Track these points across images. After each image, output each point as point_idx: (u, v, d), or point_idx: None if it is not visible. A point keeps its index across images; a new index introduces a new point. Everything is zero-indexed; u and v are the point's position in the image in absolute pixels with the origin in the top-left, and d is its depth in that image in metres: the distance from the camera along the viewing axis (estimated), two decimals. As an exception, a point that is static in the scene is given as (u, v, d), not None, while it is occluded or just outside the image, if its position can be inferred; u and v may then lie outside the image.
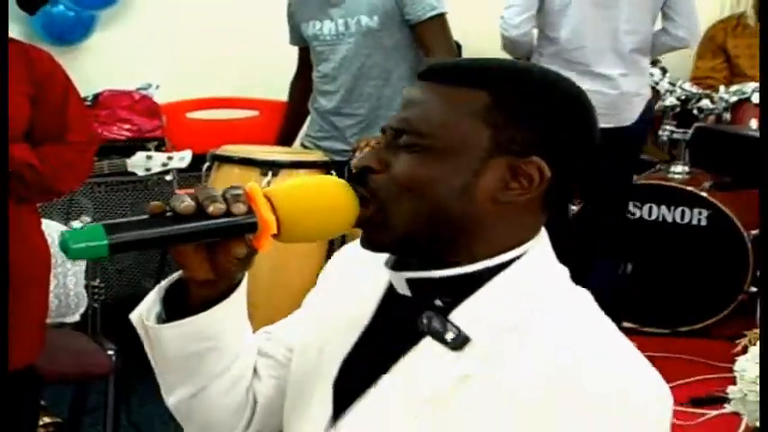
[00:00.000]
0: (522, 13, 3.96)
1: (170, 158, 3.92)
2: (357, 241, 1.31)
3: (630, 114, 3.92)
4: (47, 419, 3.61)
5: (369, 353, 1.30)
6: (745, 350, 2.91)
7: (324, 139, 3.94)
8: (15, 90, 2.71)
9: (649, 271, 4.08)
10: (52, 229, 3.51)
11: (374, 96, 3.83)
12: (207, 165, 3.59)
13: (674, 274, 4.05)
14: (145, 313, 1.28)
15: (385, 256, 1.30)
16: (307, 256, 3.38)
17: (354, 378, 1.28)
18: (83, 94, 4.51)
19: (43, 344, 2.87)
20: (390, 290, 1.32)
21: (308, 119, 4.08)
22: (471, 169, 1.22)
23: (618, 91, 3.92)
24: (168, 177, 4.16)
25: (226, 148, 3.65)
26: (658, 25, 4.16)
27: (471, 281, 1.24)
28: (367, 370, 1.27)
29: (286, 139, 4.25)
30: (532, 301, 1.23)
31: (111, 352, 3.42)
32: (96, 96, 4.65)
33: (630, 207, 4.10)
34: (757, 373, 2.82)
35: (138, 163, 3.86)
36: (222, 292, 1.25)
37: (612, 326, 1.24)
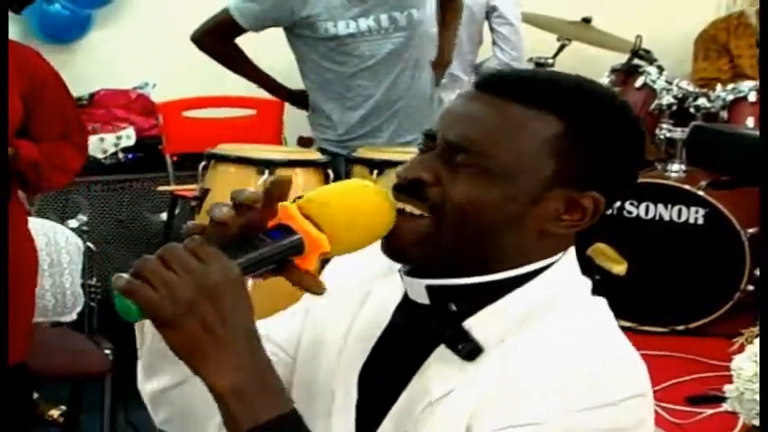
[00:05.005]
0: None
1: (119, 138, 4.16)
2: None
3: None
4: (55, 412, 3.66)
5: (386, 364, 1.26)
6: (742, 348, 2.90)
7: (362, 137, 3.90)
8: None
9: (646, 270, 4.07)
10: (47, 228, 3.51)
11: (411, 88, 3.90)
12: (203, 163, 3.58)
13: (670, 272, 4.04)
14: None
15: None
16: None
17: (374, 393, 1.26)
18: (79, 93, 4.56)
19: (30, 342, 2.87)
20: (405, 295, 1.27)
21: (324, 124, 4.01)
22: (529, 198, 1.18)
23: None
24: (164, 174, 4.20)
25: (222, 147, 3.64)
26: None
27: (493, 289, 1.21)
28: (387, 384, 1.24)
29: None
30: (542, 312, 1.20)
31: (107, 351, 3.42)
32: (92, 95, 4.66)
33: (627, 206, 4.09)
34: (754, 371, 2.83)
35: (95, 146, 4.04)
36: None
37: (615, 333, 1.21)
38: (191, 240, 1.08)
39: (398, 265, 1.26)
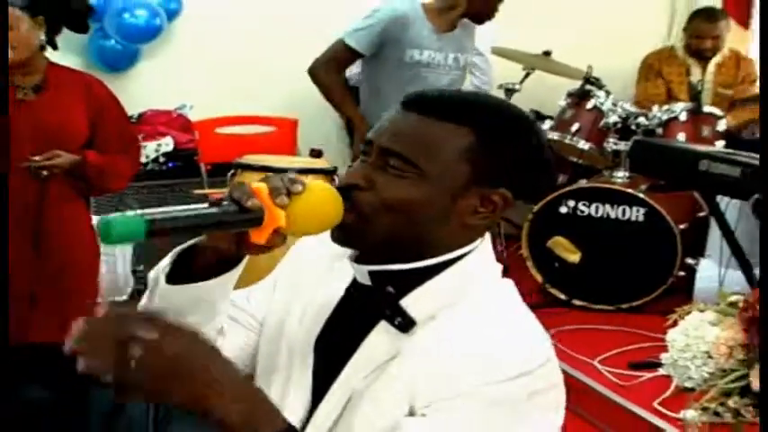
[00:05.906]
0: None
1: (159, 146, 4.40)
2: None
3: None
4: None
5: (337, 334, 1.27)
6: (675, 323, 2.92)
7: None
8: (76, 109, 2.74)
9: (596, 259, 4.09)
10: (104, 225, 3.51)
11: None
12: (231, 171, 3.60)
13: (616, 260, 4.07)
14: (161, 274, 1.23)
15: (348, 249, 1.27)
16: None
17: (327, 359, 1.26)
18: (129, 113, 4.55)
19: None
20: (354, 278, 1.29)
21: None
22: (451, 197, 1.21)
23: None
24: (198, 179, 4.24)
25: (247, 158, 3.66)
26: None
27: (424, 273, 1.22)
28: (337, 351, 1.25)
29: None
30: (465, 288, 1.22)
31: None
32: (141, 115, 4.67)
33: (580, 206, 4.12)
34: (685, 342, 2.84)
35: None
36: (227, 262, 1.21)
37: (522, 310, 1.23)
38: (141, 317, 1.05)
39: (350, 252, 1.28)
